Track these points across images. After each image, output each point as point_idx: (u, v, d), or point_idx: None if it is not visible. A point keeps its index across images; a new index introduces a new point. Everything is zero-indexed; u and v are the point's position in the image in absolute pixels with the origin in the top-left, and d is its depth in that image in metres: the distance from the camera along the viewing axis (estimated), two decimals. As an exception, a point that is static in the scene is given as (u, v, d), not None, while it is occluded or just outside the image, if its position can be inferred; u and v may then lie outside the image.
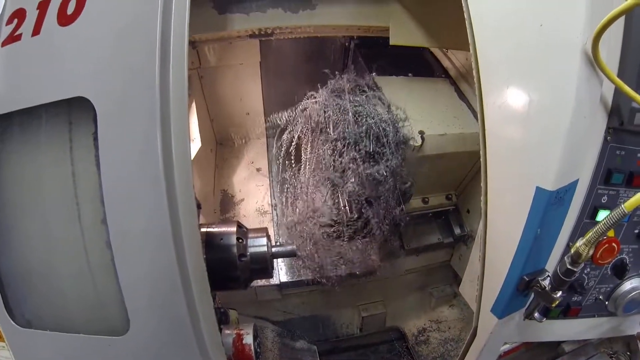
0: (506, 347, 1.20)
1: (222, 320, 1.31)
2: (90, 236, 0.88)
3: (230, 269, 1.17)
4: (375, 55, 2.16)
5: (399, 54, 2.10)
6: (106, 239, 0.85)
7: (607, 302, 1.14)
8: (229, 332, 1.18)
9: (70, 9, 0.88)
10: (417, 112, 1.75)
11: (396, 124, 1.66)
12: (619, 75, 0.87)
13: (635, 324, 1.21)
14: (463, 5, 1.09)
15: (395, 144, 1.61)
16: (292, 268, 2.02)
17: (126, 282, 0.85)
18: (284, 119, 1.78)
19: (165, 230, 0.83)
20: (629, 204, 0.81)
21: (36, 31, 0.90)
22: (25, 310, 0.96)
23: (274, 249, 1.29)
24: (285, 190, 1.90)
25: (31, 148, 0.92)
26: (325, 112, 1.65)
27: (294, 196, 1.84)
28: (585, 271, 1.08)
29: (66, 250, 0.91)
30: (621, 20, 0.87)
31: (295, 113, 1.76)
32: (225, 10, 1.80)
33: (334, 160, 1.63)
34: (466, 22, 1.08)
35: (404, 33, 1.91)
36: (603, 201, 1.01)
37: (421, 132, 1.68)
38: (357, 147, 1.59)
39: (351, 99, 1.70)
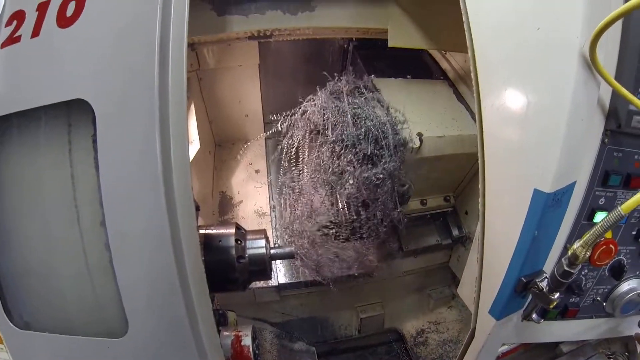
0: (504, 348, 1.20)
1: (221, 321, 1.30)
2: (89, 238, 0.88)
3: (228, 270, 1.17)
4: (374, 57, 2.17)
5: (397, 56, 2.11)
6: (105, 241, 0.85)
7: (604, 303, 1.14)
8: (227, 333, 1.18)
9: (69, 11, 0.88)
10: (416, 114, 1.75)
11: (395, 127, 1.66)
12: (616, 78, 0.88)
13: (633, 325, 1.21)
14: (461, 7, 1.09)
15: (393, 147, 1.61)
16: (290, 270, 2.02)
17: (125, 284, 0.85)
18: (283, 121, 1.78)
19: (164, 232, 0.83)
20: (626, 206, 0.81)
21: (35, 33, 0.90)
22: (24, 312, 0.96)
23: (272, 251, 1.29)
24: (284, 192, 1.89)
25: (30, 150, 0.92)
26: (324, 114, 1.65)
27: (293, 198, 1.84)
28: (583, 272, 1.08)
29: (65, 252, 0.91)
30: (619, 23, 0.88)
31: (294, 115, 1.76)
32: (224, 12, 1.80)
33: (332, 163, 1.63)
34: (464, 24, 1.08)
35: (403, 35, 1.91)
36: (600, 203, 1.01)
37: (419, 134, 1.68)
38: (355, 150, 1.59)
39: (350, 101, 1.69)
